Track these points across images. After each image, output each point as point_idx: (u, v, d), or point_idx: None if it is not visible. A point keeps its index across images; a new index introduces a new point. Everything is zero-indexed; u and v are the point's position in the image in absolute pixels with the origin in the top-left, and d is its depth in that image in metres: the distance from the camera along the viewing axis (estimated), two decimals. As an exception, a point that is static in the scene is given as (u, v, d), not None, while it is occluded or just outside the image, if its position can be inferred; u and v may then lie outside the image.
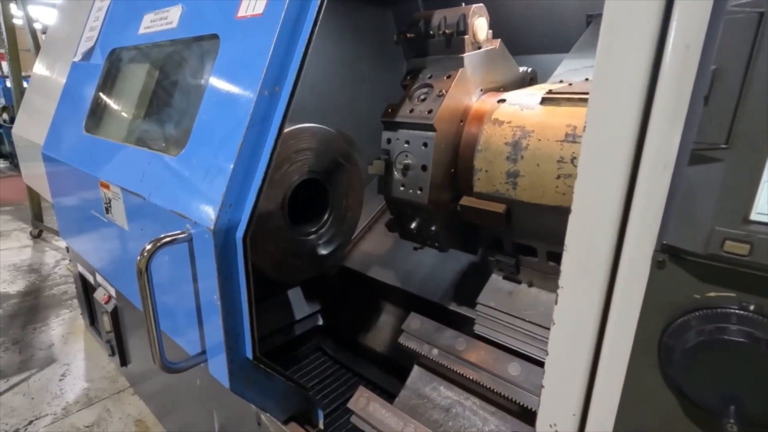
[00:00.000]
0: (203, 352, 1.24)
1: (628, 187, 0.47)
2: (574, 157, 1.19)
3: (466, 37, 1.37)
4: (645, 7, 0.43)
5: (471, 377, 1.42)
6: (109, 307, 2.29)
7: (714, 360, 0.45)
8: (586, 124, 0.49)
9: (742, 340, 0.44)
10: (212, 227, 1.03)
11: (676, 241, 0.45)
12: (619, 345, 0.49)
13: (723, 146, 0.42)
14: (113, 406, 2.70)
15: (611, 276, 0.49)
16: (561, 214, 1.31)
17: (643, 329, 0.48)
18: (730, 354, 0.44)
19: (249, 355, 1.16)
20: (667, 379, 0.48)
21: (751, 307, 0.44)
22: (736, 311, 0.45)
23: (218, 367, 1.18)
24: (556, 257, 1.43)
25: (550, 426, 0.57)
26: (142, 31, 1.65)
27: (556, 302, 0.53)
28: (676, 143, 0.44)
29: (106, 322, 2.37)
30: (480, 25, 1.39)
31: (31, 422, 2.57)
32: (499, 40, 1.51)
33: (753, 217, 0.42)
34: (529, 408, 1.32)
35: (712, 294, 0.45)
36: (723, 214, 0.42)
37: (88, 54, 2.00)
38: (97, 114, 1.84)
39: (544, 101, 1.31)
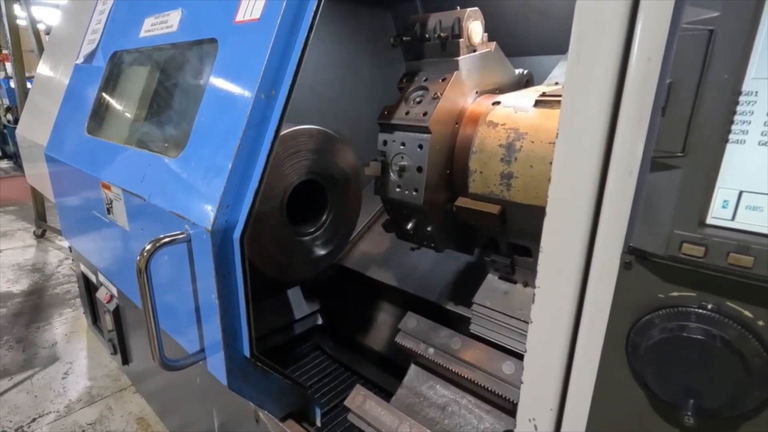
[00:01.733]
0: (202, 350, 1.26)
1: (598, 192, 0.49)
2: (566, 159, 1.21)
3: (461, 40, 1.39)
4: (611, 19, 0.45)
5: (466, 376, 1.44)
6: (111, 307, 2.32)
7: (675, 356, 0.47)
8: (559, 131, 0.51)
9: (700, 337, 0.46)
10: (210, 228, 1.06)
11: (641, 244, 0.47)
12: (592, 342, 0.51)
13: (679, 154, 0.44)
14: (115, 404, 2.73)
15: (584, 276, 0.52)
16: (554, 215, 1.34)
17: (613, 327, 0.50)
18: (690, 350, 0.46)
19: (246, 353, 1.18)
20: (635, 374, 0.50)
21: (709, 306, 0.46)
22: (696, 310, 0.47)
23: (216, 365, 1.21)
24: (550, 257, 1.45)
25: (530, 420, 0.59)
26: (143, 34, 1.68)
27: (533, 301, 0.55)
28: (639, 151, 0.46)
29: (108, 321, 2.40)
30: (475, 29, 1.41)
31: (34, 420, 2.61)
32: (495, 42, 1.52)
33: (708, 221, 0.44)
34: (522, 406, 1.34)
35: (675, 293, 0.48)
36: (681, 218, 0.45)
37: (90, 56, 2.03)
38: (99, 116, 1.87)
39: (538, 104, 1.33)
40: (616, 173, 0.48)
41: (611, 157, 0.48)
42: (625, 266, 0.49)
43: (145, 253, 1.10)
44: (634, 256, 0.48)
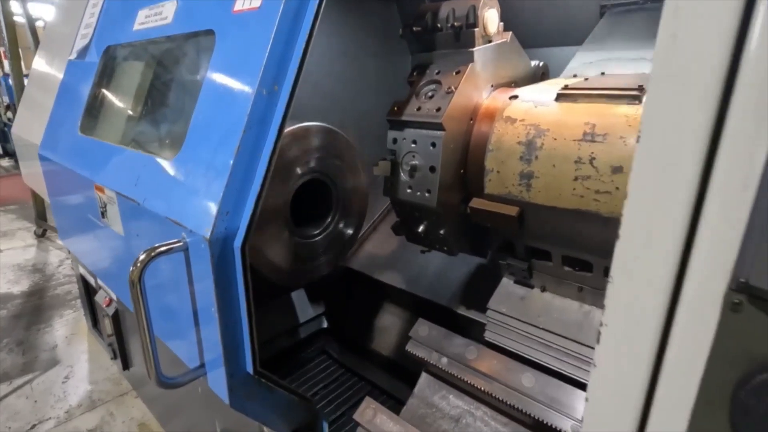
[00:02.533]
0: (202, 366, 1.18)
1: (694, 209, 0.39)
2: (593, 158, 1.12)
3: (476, 30, 1.30)
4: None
5: (482, 388, 1.36)
6: (110, 311, 2.25)
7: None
8: (641, 131, 0.41)
9: None
10: (208, 236, 0.97)
11: (759, 280, 0.37)
12: (677, 399, 0.41)
13: None
14: (116, 410, 2.67)
15: (668, 315, 0.42)
16: (578, 217, 1.25)
17: (711, 383, 0.40)
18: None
19: (249, 369, 1.10)
20: None
21: None
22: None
23: (217, 382, 1.13)
24: (572, 262, 1.37)
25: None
26: (136, 27, 1.58)
27: (597, 341, 0.46)
28: (761, 157, 0.36)
29: (107, 325, 2.33)
30: (491, 17, 1.32)
31: (33, 426, 2.55)
32: (511, 32, 1.43)
33: None
34: (543, 421, 1.25)
35: (808, 348, 0.38)
36: (829, 248, 0.34)
37: (84, 52, 1.94)
38: (92, 115, 1.78)
39: (560, 97, 1.24)
40: (723, 185, 0.37)
41: (715, 164, 0.37)
42: (731, 307, 0.39)
43: (139, 264, 1.02)
44: (745, 296, 0.38)
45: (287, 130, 1.48)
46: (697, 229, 0.38)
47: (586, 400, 0.47)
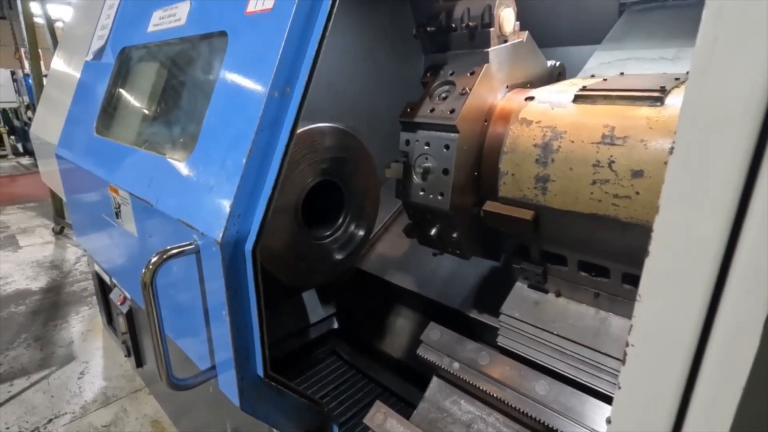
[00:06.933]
0: (213, 368, 1.18)
1: (734, 223, 0.35)
2: (612, 161, 1.09)
3: (492, 29, 1.27)
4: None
5: (494, 394, 1.34)
6: (125, 309, 2.27)
7: None
8: (676, 139, 0.38)
9: None
10: (219, 239, 0.97)
11: None
12: (709, 428, 0.39)
13: None
14: (130, 406, 2.70)
15: (703, 337, 0.38)
16: (596, 222, 1.22)
17: (748, 413, 0.37)
18: None
19: (260, 372, 1.09)
20: None
21: None
22: None
23: (228, 385, 1.13)
24: (588, 267, 1.34)
25: None
26: (151, 28, 1.59)
27: (623, 362, 0.43)
28: None
29: (121, 323, 2.36)
30: (507, 17, 1.29)
31: (50, 420, 2.60)
32: (527, 32, 1.40)
33: None
34: (557, 430, 1.23)
35: None
36: None
37: (100, 53, 1.96)
38: (108, 115, 1.80)
39: (578, 99, 1.21)
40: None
41: (760, 171, 0.34)
42: None
43: (151, 266, 1.02)
44: None
45: (299, 130, 1.48)
46: (738, 242, 0.35)
47: (609, 422, 0.45)
